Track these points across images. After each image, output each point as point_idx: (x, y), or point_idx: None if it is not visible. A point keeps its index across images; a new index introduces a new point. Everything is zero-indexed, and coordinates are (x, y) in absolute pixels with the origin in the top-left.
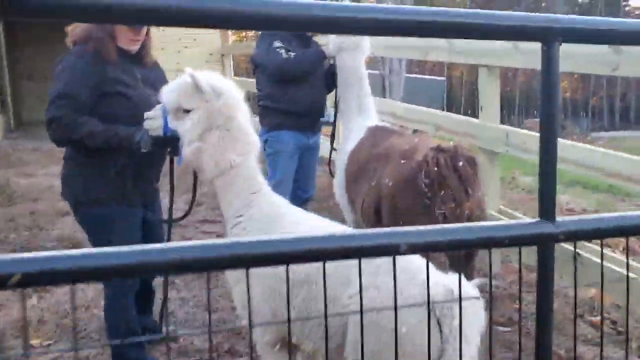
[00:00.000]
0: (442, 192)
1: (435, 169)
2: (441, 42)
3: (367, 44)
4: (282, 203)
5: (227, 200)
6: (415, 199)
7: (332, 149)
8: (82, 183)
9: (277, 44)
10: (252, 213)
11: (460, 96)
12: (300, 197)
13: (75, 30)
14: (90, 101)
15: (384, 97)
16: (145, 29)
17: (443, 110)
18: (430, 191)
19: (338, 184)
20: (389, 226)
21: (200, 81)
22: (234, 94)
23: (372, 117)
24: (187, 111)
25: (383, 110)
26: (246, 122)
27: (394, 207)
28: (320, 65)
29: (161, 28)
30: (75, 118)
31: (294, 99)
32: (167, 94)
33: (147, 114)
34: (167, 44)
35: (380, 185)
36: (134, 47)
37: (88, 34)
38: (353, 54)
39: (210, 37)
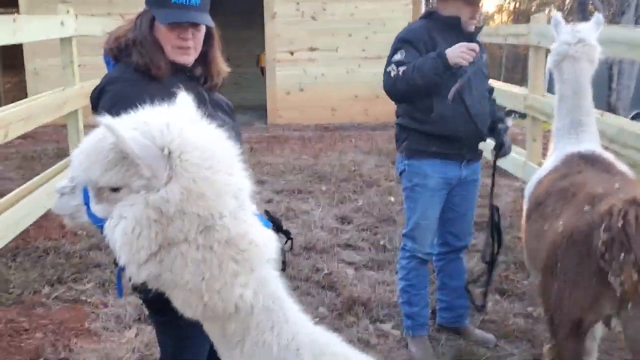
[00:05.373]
0: (623, 255)
1: (621, 223)
2: None
3: (597, 54)
4: (345, 354)
5: (236, 357)
6: (584, 257)
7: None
8: None
9: (397, 56)
10: None
11: None
12: (451, 244)
13: (110, 38)
14: None
15: (610, 87)
16: (199, 33)
17: None
18: (607, 252)
19: (524, 215)
20: (547, 283)
21: (127, 140)
22: (208, 157)
23: (586, 141)
24: (116, 190)
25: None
26: (243, 207)
27: (555, 261)
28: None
29: (349, 12)
30: None
31: (440, 117)
32: (76, 156)
33: (58, 186)
34: (354, 30)
35: (552, 230)
36: (185, 59)
37: (125, 41)
38: (576, 65)
39: (402, 23)
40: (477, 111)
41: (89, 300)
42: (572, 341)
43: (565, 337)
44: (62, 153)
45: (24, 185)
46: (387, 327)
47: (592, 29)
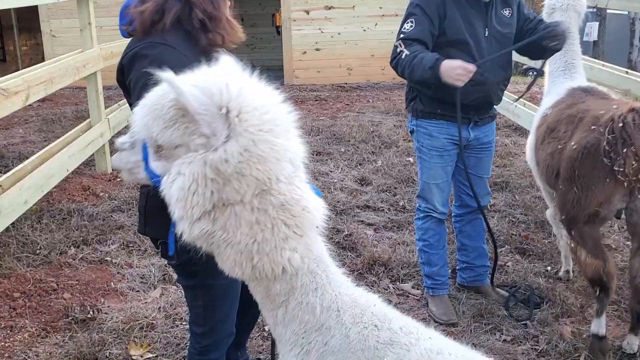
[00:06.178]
0: (625, 150)
1: (621, 125)
2: None
3: (584, 5)
4: (384, 314)
5: (277, 320)
6: (597, 164)
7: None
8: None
9: (406, 26)
10: (328, 342)
11: None
12: (469, 205)
13: (138, 19)
14: None
15: (632, 44)
16: None
17: None
18: (612, 150)
19: (529, 145)
20: (566, 190)
21: (187, 95)
22: (268, 119)
23: (578, 79)
24: (175, 147)
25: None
26: (297, 173)
27: (573, 172)
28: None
29: None
30: None
31: (444, 85)
32: (137, 113)
33: (118, 141)
34: None
35: (567, 149)
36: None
37: (172, 19)
38: (564, 15)
39: None
40: (487, 79)
41: (114, 261)
42: (591, 227)
43: (584, 224)
44: (82, 115)
45: (46, 148)
46: (407, 286)
47: None
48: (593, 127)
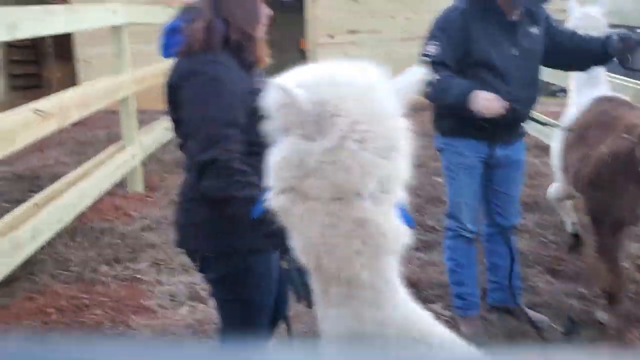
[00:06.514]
0: None
1: None
2: None
3: (604, 24)
4: (429, 330)
5: (325, 317)
6: (629, 170)
7: None
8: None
9: (430, 48)
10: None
11: None
12: (499, 224)
13: (194, 38)
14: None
15: None
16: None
17: None
18: None
19: (554, 152)
20: (593, 194)
21: (299, 102)
22: (362, 130)
23: (602, 90)
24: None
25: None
26: (386, 194)
27: (601, 176)
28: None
29: None
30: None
31: None
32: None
33: None
34: (395, 10)
35: (597, 153)
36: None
37: (221, 38)
38: (585, 32)
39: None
40: (516, 97)
41: (144, 278)
42: (614, 236)
43: (608, 232)
44: (114, 138)
45: (80, 169)
46: (437, 307)
47: (596, 8)
48: (625, 135)
